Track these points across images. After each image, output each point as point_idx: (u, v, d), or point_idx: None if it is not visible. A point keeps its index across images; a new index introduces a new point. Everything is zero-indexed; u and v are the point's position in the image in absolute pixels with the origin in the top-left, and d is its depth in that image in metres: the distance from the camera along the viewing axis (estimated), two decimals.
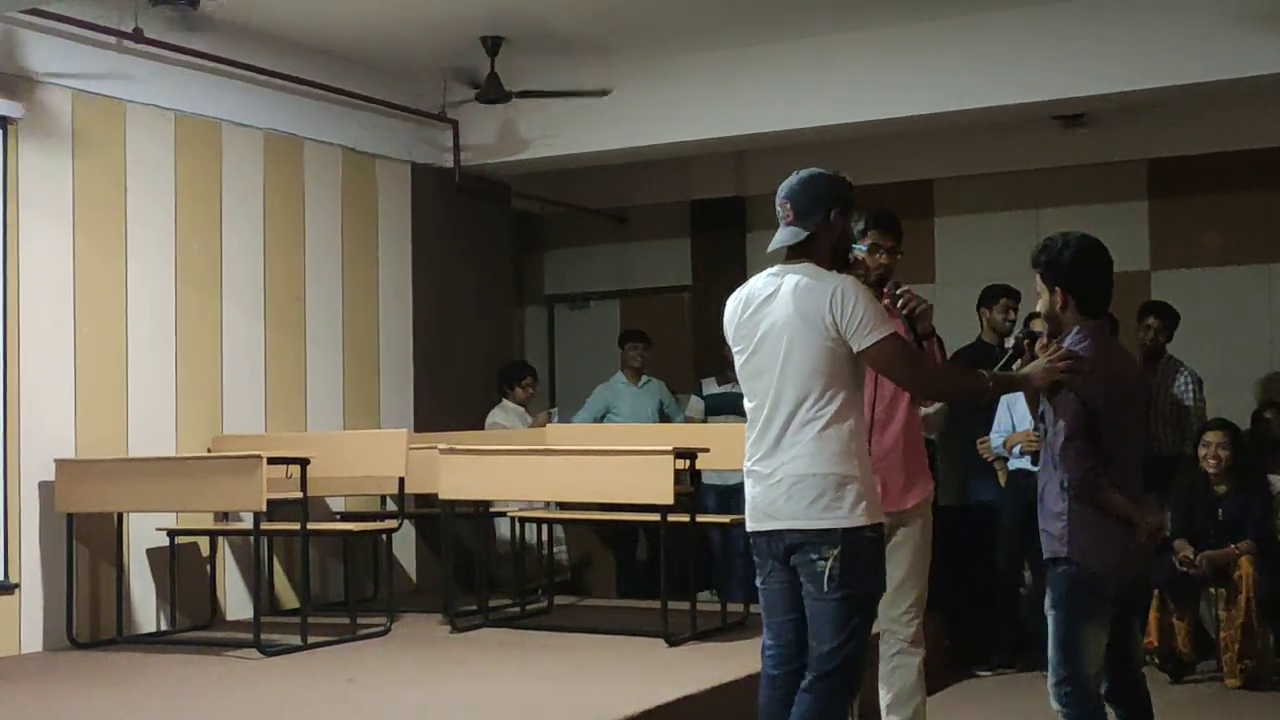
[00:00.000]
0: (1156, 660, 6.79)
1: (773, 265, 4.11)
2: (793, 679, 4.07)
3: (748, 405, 4.10)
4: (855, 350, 3.88)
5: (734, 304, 4.14)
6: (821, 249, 4.02)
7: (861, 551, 3.91)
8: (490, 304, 9.58)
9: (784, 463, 3.94)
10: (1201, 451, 6.95)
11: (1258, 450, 7.51)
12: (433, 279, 9.01)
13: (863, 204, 4.26)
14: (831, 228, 4.03)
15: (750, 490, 4.06)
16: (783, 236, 4.03)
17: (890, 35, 7.85)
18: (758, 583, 4.14)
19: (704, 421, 8.66)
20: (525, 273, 10.87)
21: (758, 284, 4.08)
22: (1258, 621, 6.63)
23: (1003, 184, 9.30)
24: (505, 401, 8.96)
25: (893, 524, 4.42)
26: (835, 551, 3.87)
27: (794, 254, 4.03)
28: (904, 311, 4.33)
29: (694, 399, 8.84)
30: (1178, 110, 8.46)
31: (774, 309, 3.98)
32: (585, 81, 8.48)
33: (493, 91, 8.20)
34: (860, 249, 4.51)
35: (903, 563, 4.59)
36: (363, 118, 8.57)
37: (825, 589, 3.89)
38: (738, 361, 4.12)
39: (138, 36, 7.07)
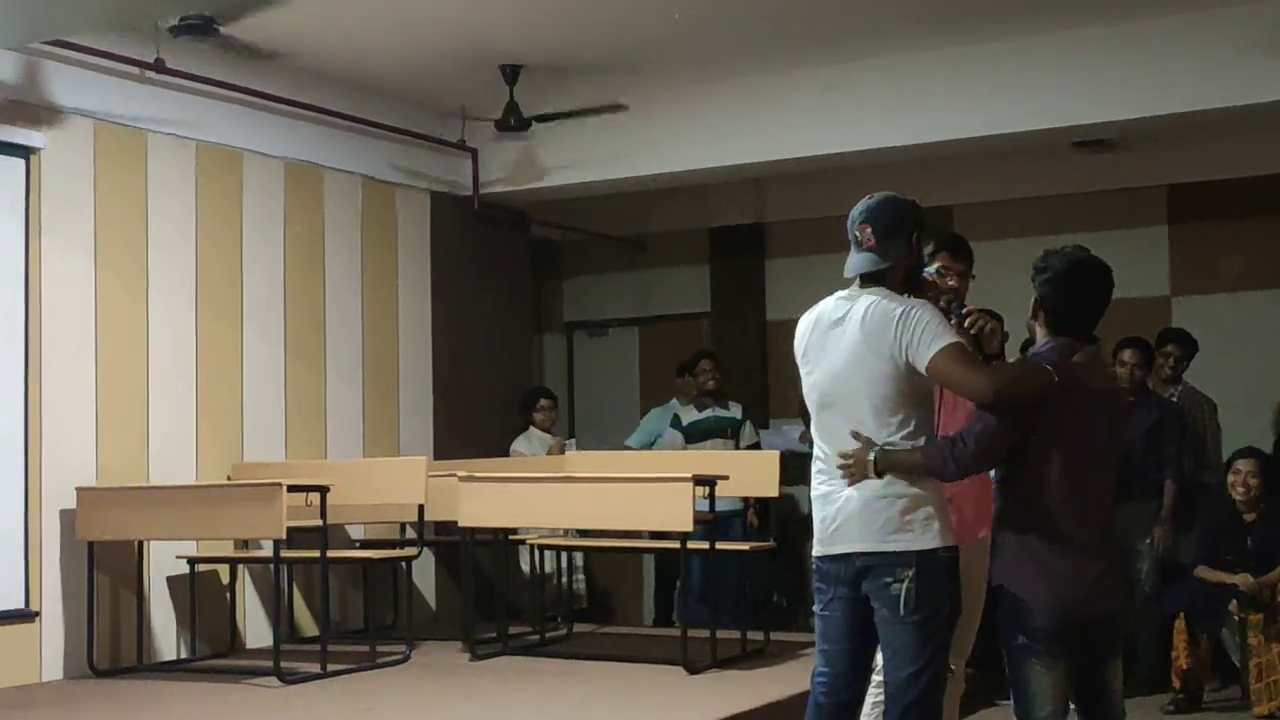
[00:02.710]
0: (1178, 685, 6.74)
1: (845, 287, 4.05)
2: (841, 710, 4.02)
3: (814, 429, 4.06)
4: (921, 368, 3.83)
5: (804, 325, 4.11)
6: (896, 273, 3.99)
7: (937, 573, 3.85)
8: (509, 331, 9.60)
9: (855, 487, 3.90)
10: (1231, 479, 6.91)
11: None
12: (452, 307, 9.02)
13: None
14: (909, 253, 4.01)
15: (819, 513, 4.01)
16: (860, 263, 3.98)
17: (909, 62, 7.86)
18: (815, 609, 4.07)
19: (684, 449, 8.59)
20: (544, 300, 10.88)
21: (829, 306, 4.05)
22: None
23: (1022, 210, 9.28)
24: (531, 429, 8.95)
25: (960, 556, 4.37)
26: (911, 573, 3.82)
27: (868, 278, 4.00)
28: (971, 332, 4.30)
29: (670, 432, 8.74)
30: (1198, 135, 8.45)
31: (844, 332, 3.95)
32: (604, 109, 8.51)
33: (512, 120, 8.23)
34: (929, 272, 4.51)
35: (968, 597, 4.50)
36: (382, 147, 8.61)
37: (902, 612, 3.83)
38: (805, 384, 4.09)
39: (159, 67, 7.12)
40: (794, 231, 9.81)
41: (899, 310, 3.86)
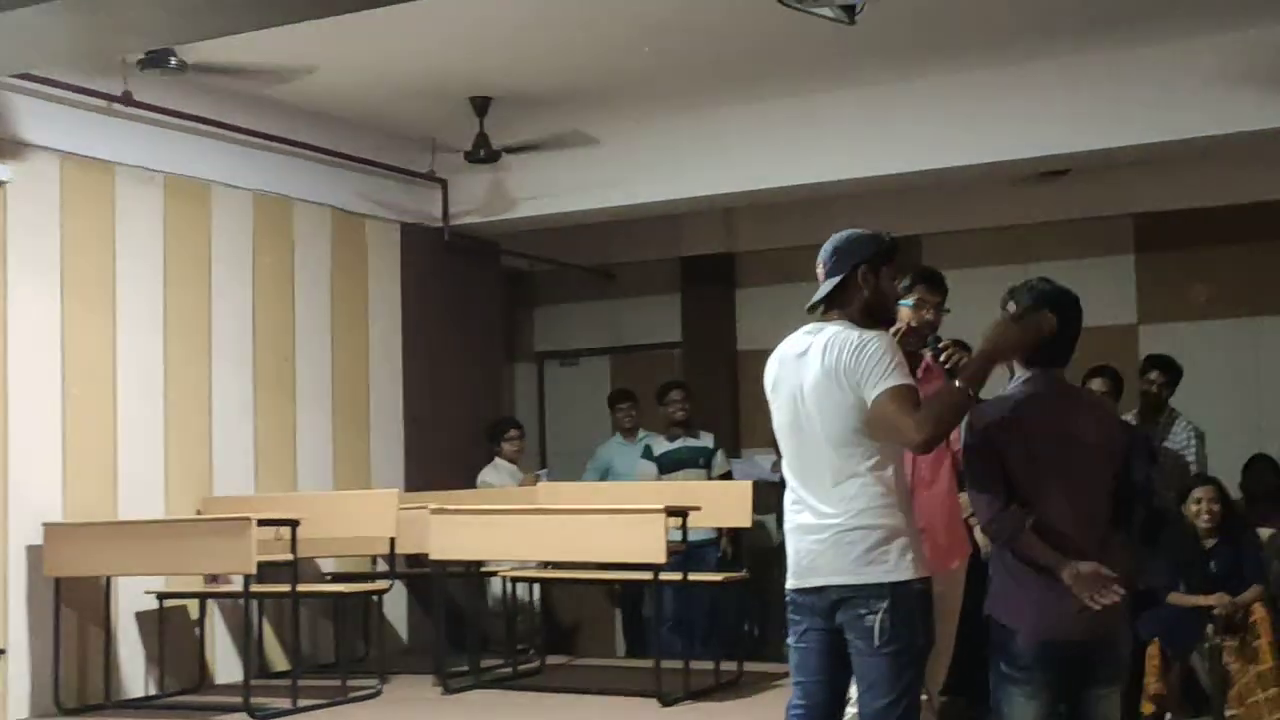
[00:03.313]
0: (1149, 710, 6.76)
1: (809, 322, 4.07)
2: None
3: (785, 462, 4.07)
4: (868, 404, 3.83)
5: (772, 362, 4.12)
6: (853, 304, 3.99)
7: (911, 605, 3.85)
8: (480, 361, 9.58)
9: (828, 518, 3.90)
10: (1193, 508, 6.96)
11: (1247, 502, 7.52)
12: (423, 337, 9.00)
13: None
14: (862, 283, 4.00)
15: (793, 546, 4.01)
16: (816, 294, 4.03)
17: (878, 93, 7.91)
18: (790, 641, 4.06)
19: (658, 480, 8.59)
20: (515, 330, 10.87)
21: (793, 342, 4.07)
22: (1275, 664, 6.61)
23: (990, 239, 9.33)
24: (497, 460, 8.92)
25: (933, 586, 4.38)
26: (884, 605, 3.81)
27: (830, 311, 4.02)
28: (946, 365, 4.31)
29: (642, 463, 8.75)
30: (1164, 165, 8.52)
31: (807, 365, 3.96)
32: (574, 140, 8.53)
33: (481, 151, 8.24)
34: (906, 304, 4.52)
35: (940, 628, 4.50)
36: (352, 178, 8.59)
37: (876, 644, 3.83)
38: (774, 419, 4.09)
39: (126, 100, 7.10)
40: (764, 262, 9.84)
41: (855, 341, 3.87)
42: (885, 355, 3.84)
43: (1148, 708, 6.71)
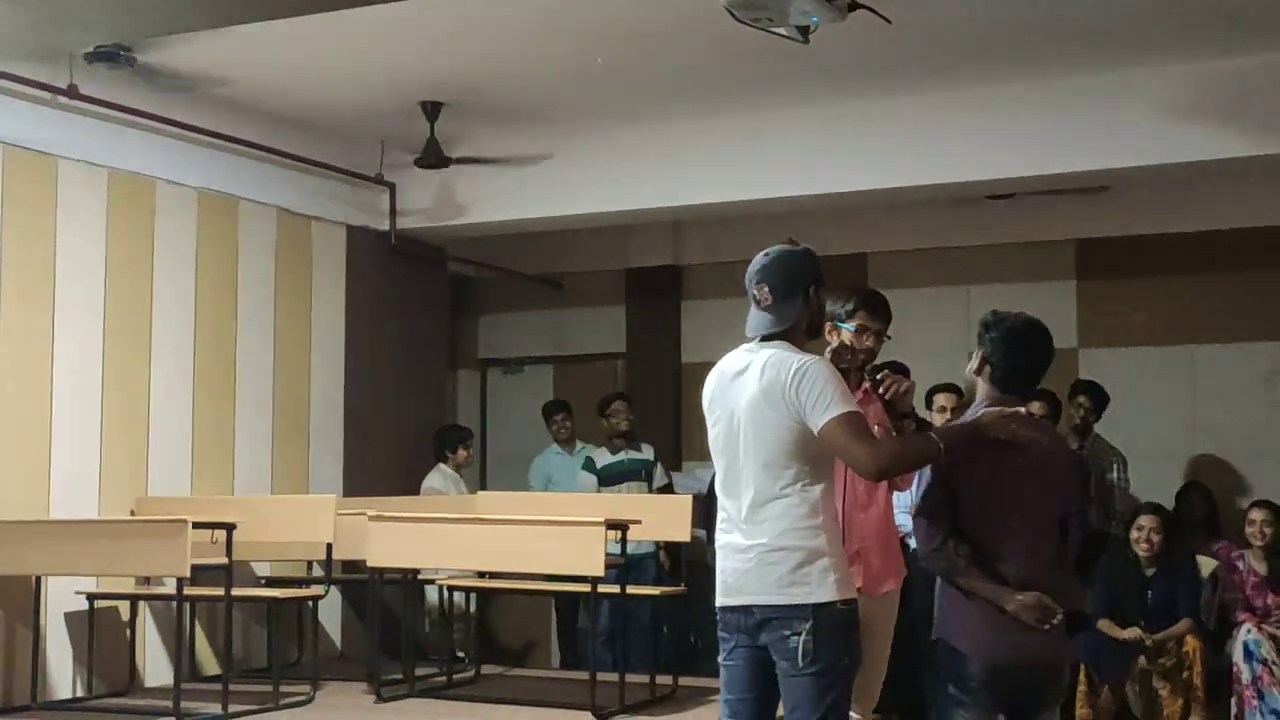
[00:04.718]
0: None
1: (747, 341, 4.07)
2: None
3: (717, 480, 4.08)
4: (812, 429, 3.86)
5: (710, 379, 4.12)
6: (798, 327, 4.01)
7: (835, 626, 3.86)
8: (424, 367, 9.54)
9: (753, 537, 3.91)
10: (1134, 534, 7.05)
11: (1182, 529, 7.62)
12: (366, 341, 8.95)
13: None
14: (807, 308, 4.02)
15: (720, 564, 4.02)
16: (761, 323, 4.00)
17: (828, 113, 7.95)
18: (720, 658, 4.07)
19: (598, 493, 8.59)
20: (459, 336, 10.83)
21: (733, 359, 4.07)
22: (1205, 697, 6.70)
23: (936, 260, 9.41)
24: (442, 466, 8.88)
25: (867, 606, 4.40)
26: (808, 626, 3.83)
27: (770, 334, 4.02)
28: (886, 396, 4.33)
29: (583, 475, 8.74)
30: (1106, 192, 8.61)
31: (743, 386, 3.96)
32: (524, 148, 8.52)
33: (431, 157, 8.21)
34: (847, 328, 4.53)
35: (873, 649, 4.54)
36: (299, 179, 8.53)
37: (800, 665, 3.85)
38: (710, 435, 4.09)
39: (72, 93, 7.01)
40: (710, 274, 9.86)
41: (796, 366, 3.87)
42: (829, 382, 3.86)
43: None
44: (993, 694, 3.92)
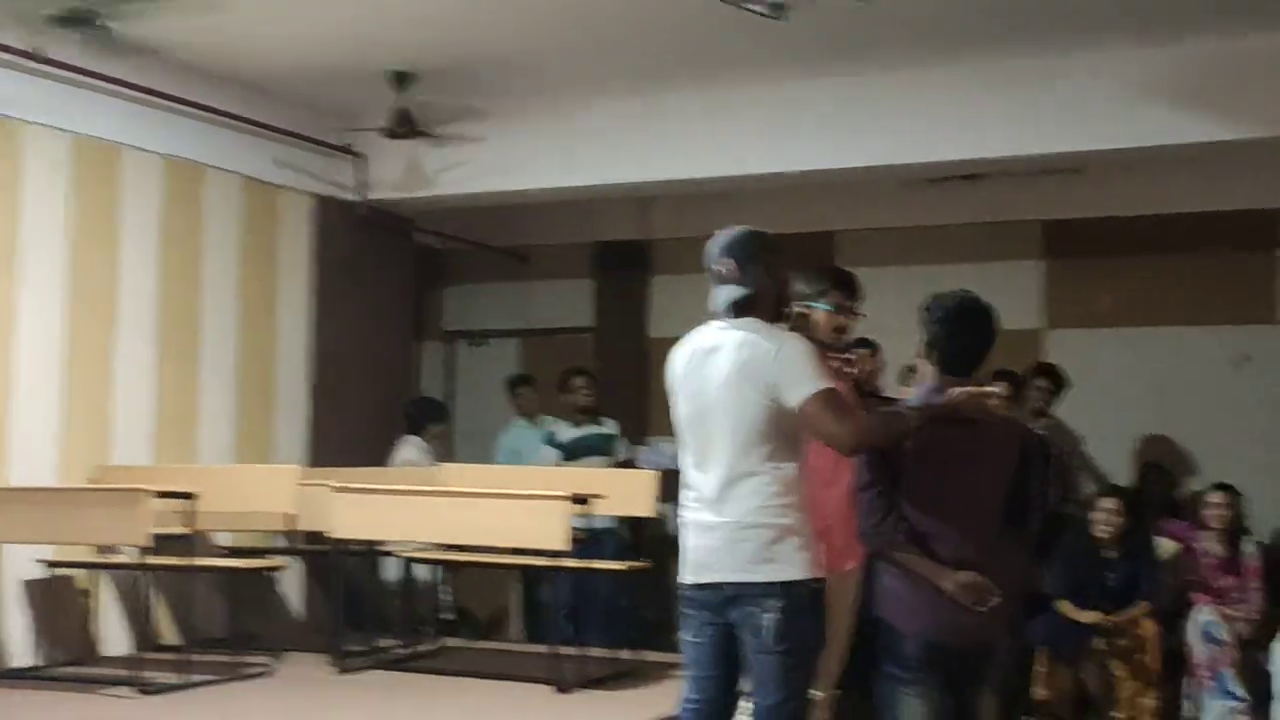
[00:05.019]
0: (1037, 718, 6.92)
1: (715, 318, 4.08)
2: None
3: (685, 457, 4.08)
4: (790, 406, 3.87)
5: (679, 355, 4.12)
6: (764, 304, 4.03)
7: (804, 604, 3.89)
8: (389, 339, 9.50)
9: (724, 515, 3.93)
10: (1096, 517, 7.09)
11: (1142, 510, 7.67)
12: (332, 312, 8.90)
13: None
14: (773, 280, 4.04)
15: (688, 541, 4.04)
16: (727, 293, 4.01)
17: (798, 90, 7.94)
18: (685, 636, 4.09)
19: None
20: (425, 308, 10.79)
21: (703, 336, 4.08)
22: (1160, 678, 6.77)
23: (903, 239, 9.42)
24: (416, 438, 8.84)
25: (827, 585, 4.42)
26: (778, 604, 3.86)
27: (739, 309, 4.02)
28: (856, 373, 4.34)
29: (545, 449, 8.74)
30: (1074, 174, 8.64)
31: (717, 363, 3.97)
32: (494, 121, 8.47)
33: (400, 127, 8.15)
34: (821, 307, 4.54)
35: (833, 627, 4.55)
36: (266, 147, 8.47)
37: (769, 642, 3.87)
38: (677, 412, 4.10)
39: (37, 56, 6.93)
40: (678, 250, 9.84)
41: (774, 344, 3.90)
42: (808, 359, 3.89)
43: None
44: (932, 672, 3.95)
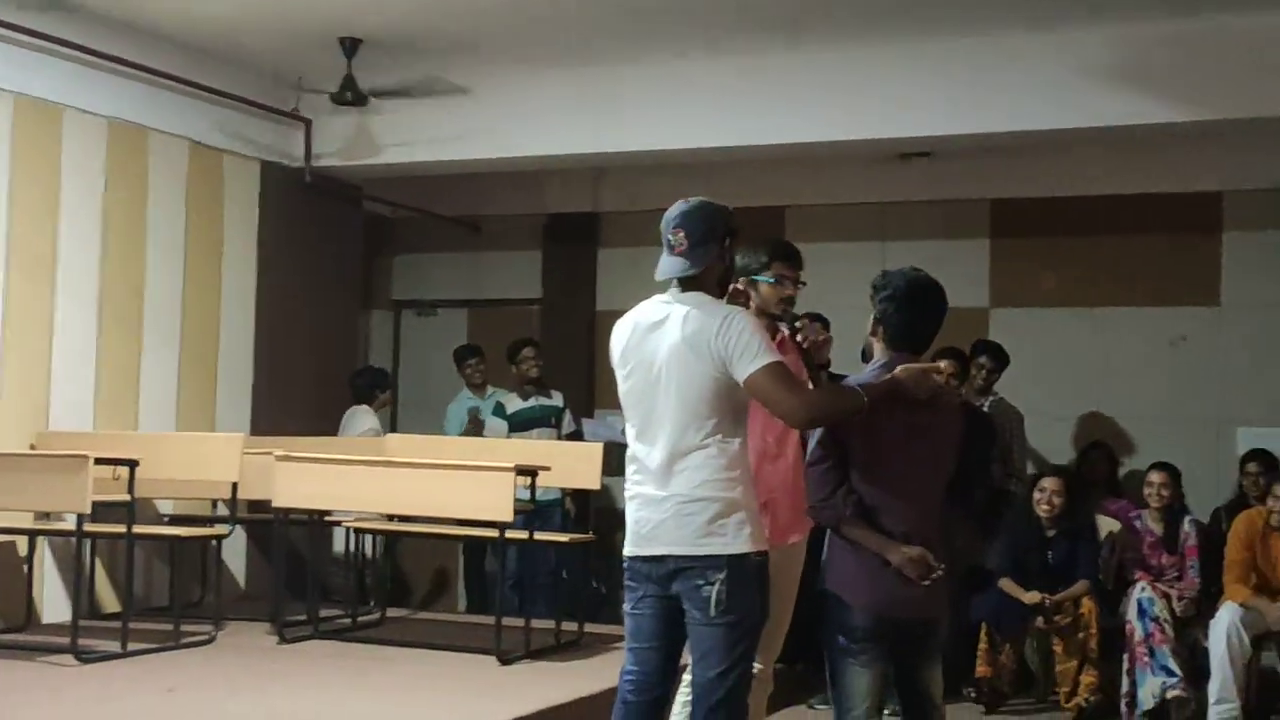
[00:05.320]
0: (973, 694, 7.00)
1: (661, 291, 4.08)
2: (651, 707, 4.07)
3: (630, 431, 4.08)
4: (738, 379, 3.88)
5: (622, 328, 4.11)
6: (711, 278, 4.03)
7: (747, 577, 3.91)
8: (336, 307, 9.43)
9: (670, 488, 3.94)
10: (1037, 496, 7.16)
11: (1083, 489, 7.75)
12: (278, 279, 8.83)
13: None
14: (721, 258, 4.04)
15: (634, 514, 4.05)
16: (674, 266, 4.00)
17: (752, 64, 7.93)
18: (626, 608, 4.10)
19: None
20: (373, 277, 10.72)
21: (648, 310, 4.07)
22: (1099, 655, 6.85)
23: (853, 215, 9.45)
24: (367, 407, 8.83)
25: (771, 559, 4.44)
26: (721, 577, 3.87)
27: (685, 283, 4.02)
28: (804, 344, 4.34)
29: (492, 419, 8.73)
30: (1023, 153, 8.69)
31: (663, 336, 3.97)
32: (443, 89, 8.41)
33: (348, 93, 8.08)
34: (765, 280, 4.53)
35: (778, 600, 4.57)
36: (213, 111, 8.37)
37: (712, 614, 3.89)
38: (622, 386, 4.09)
39: None
40: (628, 223, 9.83)
41: (720, 318, 3.90)
42: (755, 333, 3.89)
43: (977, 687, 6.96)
44: (878, 644, 3.99)
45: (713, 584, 3.88)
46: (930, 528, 4.01)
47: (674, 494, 3.93)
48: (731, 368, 3.86)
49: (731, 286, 4.23)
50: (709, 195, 4.16)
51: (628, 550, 4.07)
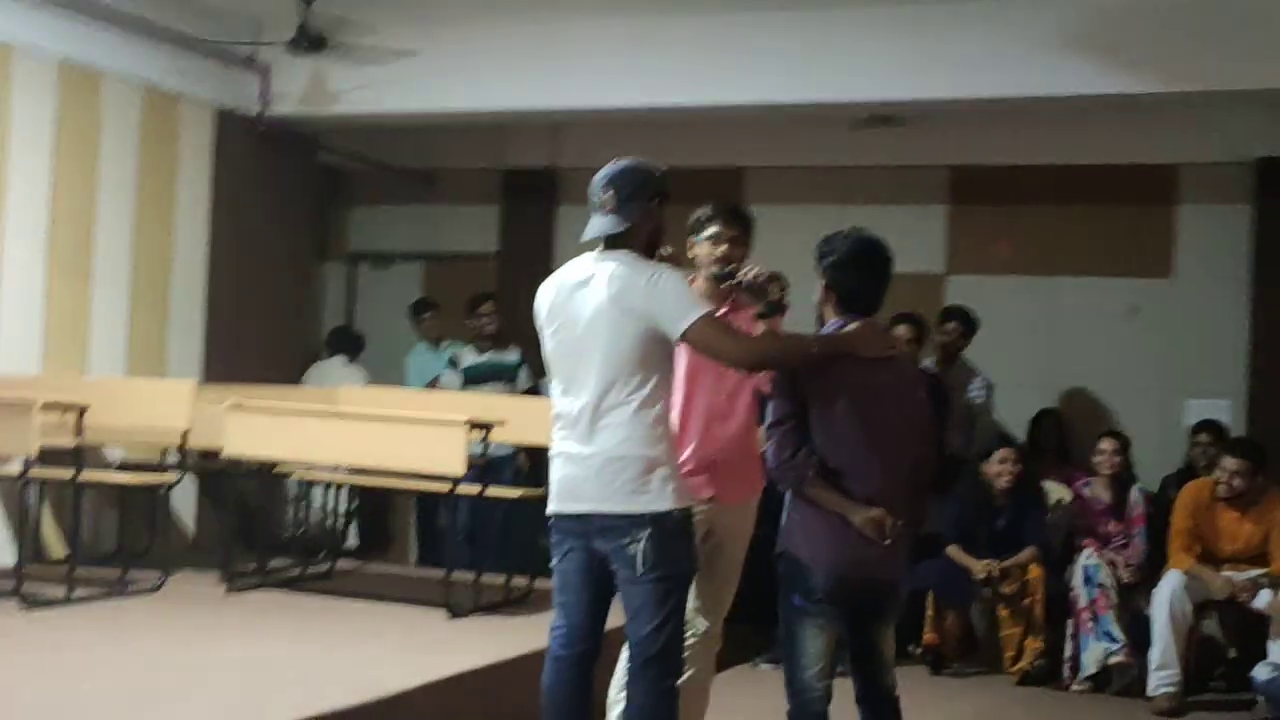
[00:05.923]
0: (919, 651, 7.06)
1: (587, 250, 4.11)
2: (578, 660, 4.10)
3: (555, 388, 4.10)
4: (673, 337, 3.89)
5: (548, 287, 4.13)
6: (639, 238, 4.03)
7: (672, 533, 3.94)
8: (291, 258, 9.35)
9: (593, 446, 3.95)
10: (995, 467, 7.19)
11: (1033, 455, 7.81)
12: (232, 228, 8.73)
13: (675, 186, 4.22)
14: (649, 218, 4.03)
15: (559, 472, 4.06)
16: (603, 225, 4.02)
17: (712, 23, 7.89)
18: (553, 563, 4.13)
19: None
20: (329, 228, 10.63)
21: (574, 269, 4.08)
22: (1045, 621, 6.92)
23: (812, 178, 9.44)
24: (342, 360, 8.89)
25: (721, 516, 4.46)
26: (646, 534, 3.90)
27: (612, 242, 4.03)
28: (744, 282, 4.27)
29: (448, 373, 8.71)
30: (983, 121, 8.71)
31: (589, 294, 3.98)
32: (402, 37, 8.32)
33: (305, 41, 7.98)
34: (701, 238, 4.52)
35: (726, 559, 4.60)
36: (168, 55, 8.24)
37: (639, 571, 3.92)
38: (547, 345, 4.10)
39: None
40: (587, 180, 9.61)
41: (647, 275, 3.92)
42: (682, 288, 3.92)
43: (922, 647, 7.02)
44: (836, 605, 4.02)
45: (638, 541, 3.91)
46: (890, 489, 4.01)
47: (597, 451, 3.95)
48: (663, 325, 3.88)
49: (662, 250, 4.21)
50: (668, 154, 4.17)
51: (552, 507, 4.09)
